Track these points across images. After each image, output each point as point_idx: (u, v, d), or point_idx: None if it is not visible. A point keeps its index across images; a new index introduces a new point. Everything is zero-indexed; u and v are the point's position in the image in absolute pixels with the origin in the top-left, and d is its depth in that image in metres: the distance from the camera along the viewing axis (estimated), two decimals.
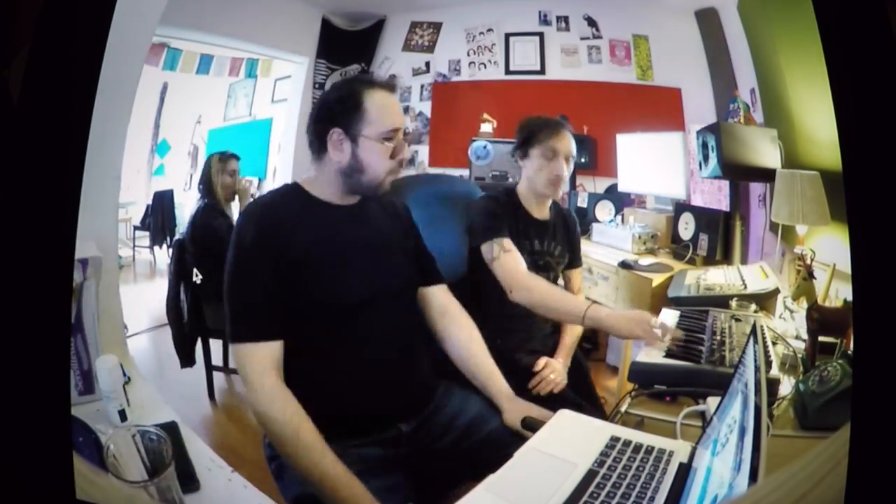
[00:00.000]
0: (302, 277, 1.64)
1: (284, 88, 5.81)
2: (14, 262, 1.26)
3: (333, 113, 1.72)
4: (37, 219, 1.28)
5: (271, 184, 5.83)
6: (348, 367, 1.68)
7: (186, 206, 5.63)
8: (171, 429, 1.54)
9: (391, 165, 1.73)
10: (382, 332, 1.74)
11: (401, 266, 1.86)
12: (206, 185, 3.77)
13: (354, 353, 1.70)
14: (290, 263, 1.63)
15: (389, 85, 1.76)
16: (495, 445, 1.71)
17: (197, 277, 3.63)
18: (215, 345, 3.74)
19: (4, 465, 1.21)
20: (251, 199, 3.27)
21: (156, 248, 5.71)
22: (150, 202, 5.68)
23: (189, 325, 3.61)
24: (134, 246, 5.78)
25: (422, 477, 1.74)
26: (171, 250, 3.88)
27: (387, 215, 1.92)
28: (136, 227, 5.76)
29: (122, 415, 1.64)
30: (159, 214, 5.59)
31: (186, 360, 3.65)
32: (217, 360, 3.77)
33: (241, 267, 1.63)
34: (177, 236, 3.74)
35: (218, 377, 3.75)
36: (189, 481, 1.38)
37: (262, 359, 1.57)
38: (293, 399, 1.55)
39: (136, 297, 4.57)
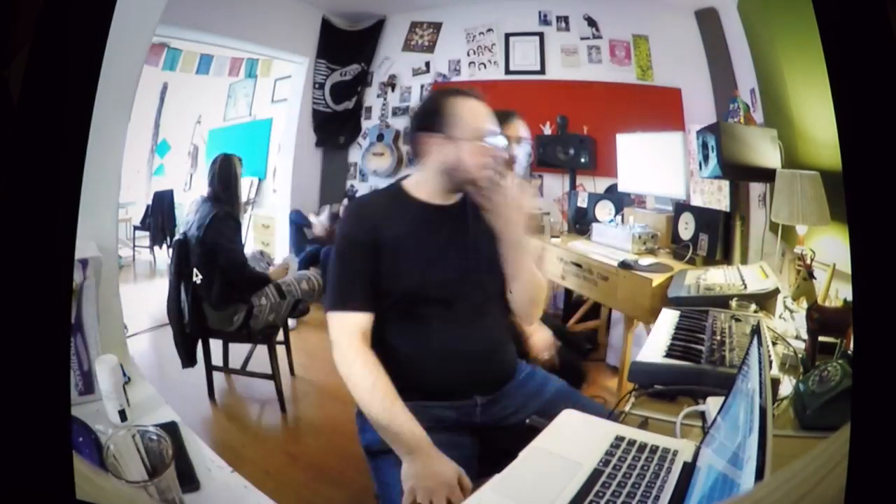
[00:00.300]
0: (393, 264, 1.86)
1: (284, 88, 5.81)
2: (14, 262, 1.26)
3: (430, 120, 1.94)
4: (37, 219, 1.28)
5: (271, 183, 5.83)
6: (433, 345, 1.90)
7: (186, 206, 5.63)
8: (170, 429, 1.54)
9: (484, 162, 1.90)
10: (466, 320, 1.94)
11: (493, 261, 1.99)
12: (231, 187, 3.74)
13: (438, 335, 1.90)
14: (382, 251, 1.86)
15: (476, 95, 1.96)
16: None
17: (197, 277, 3.63)
18: (215, 345, 3.74)
19: (5, 465, 1.21)
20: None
21: (156, 248, 5.71)
22: (150, 202, 5.67)
23: (190, 325, 3.61)
24: (134, 246, 5.77)
25: (488, 446, 1.94)
26: (171, 250, 3.87)
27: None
28: (136, 227, 5.75)
29: (122, 415, 1.64)
30: (159, 214, 5.59)
31: (188, 360, 3.64)
32: (217, 360, 3.77)
33: (339, 252, 1.90)
34: (177, 236, 3.72)
35: (218, 377, 3.75)
36: (189, 481, 1.38)
37: (349, 325, 1.82)
38: (372, 356, 1.80)
39: (136, 297, 4.57)
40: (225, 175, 3.75)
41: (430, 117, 1.94)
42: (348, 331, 1.82)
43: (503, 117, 2.15)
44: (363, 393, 1.76)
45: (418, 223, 1.93)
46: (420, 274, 1.89)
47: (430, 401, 1.90)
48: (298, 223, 5.31)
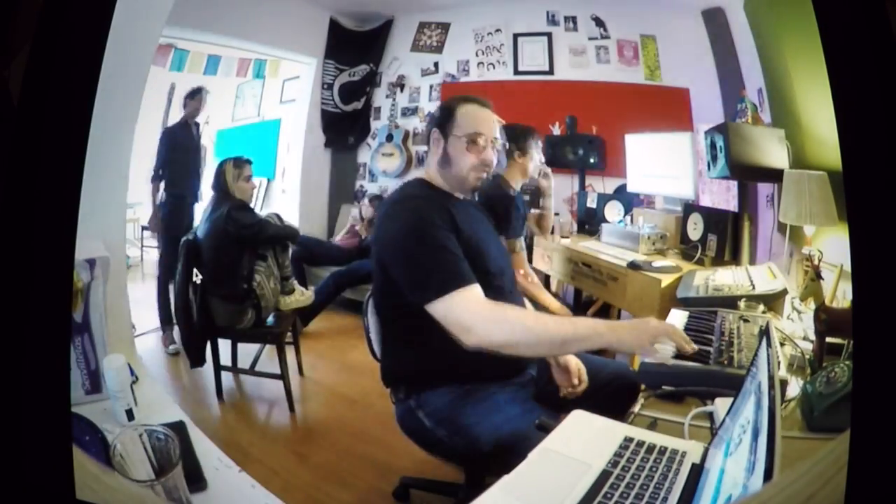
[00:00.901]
0: (468, 251, 1.96)
1: (293, 89, 5.81)
2: (15, 261, 1.26)
3: (435, 118, 2.19)
4: (37, 219, 1.29)
5: (280, 184, 5.84)
6: None
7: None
8: (178, 428, 1.55)
9: (473, 162, 2.10)
10: (514, 301, 2.13)
11: (505, 253, 2.30)
12: (223, 190, 3.77)
13: None
14: (459, 238, 1.97)
15: (481, 101, 2.18)
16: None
17: (197, 278, 3.64)
18: (224, 345, 3.74)
19: (5, 465, 1.22)
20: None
21: None
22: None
23: (199, 324, 3.61)
24: (142, 246, 5.78)
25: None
26: (178, 250, 3.88)
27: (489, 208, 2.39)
28: (143, 228, 5.76)
29: (130, 414, 1.64)
30: None
31: (197, 360, 3.65)
32: (226, 359, 3.77)
33: (431, 239, 1.92)
34: (185, 236, 3.72)
35: (225, 376, 3.75)
36: (196, 480, 1.38)
37: (478, 295, 1.86)
38: (507, 307, 1.89)
39: (143, 297, 4.58)
40: (219, 180, 3.79)
41: (437, 114, 2.19)
42: (481, 300, 1.85)
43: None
44: (540, 329, 1.82)
45: (464, 213, 2.08)
46: (493, 261, 2.07)
47: (496, 381, 2.08)
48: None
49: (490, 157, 2.12)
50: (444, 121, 2.13)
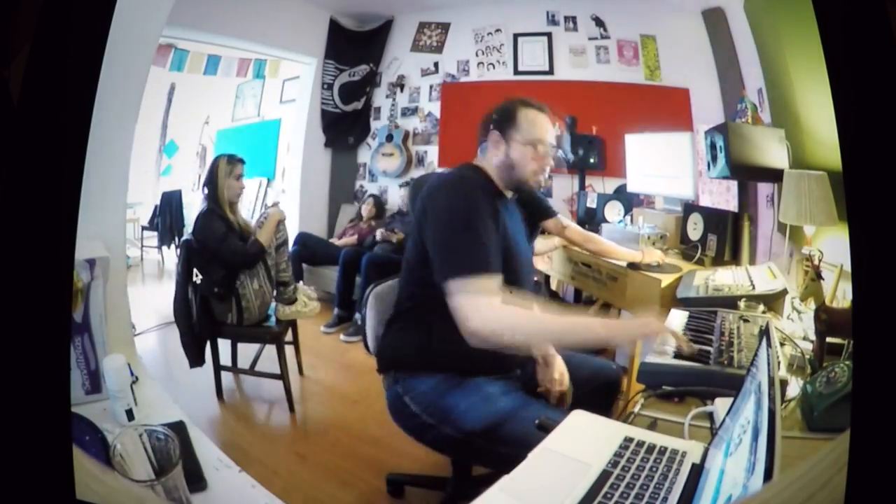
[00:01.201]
0: (504, 243, 2.03)
1: (293, 89, 5.81)
2: (14, 262, 1.26)
3: (495, 120, 2.21)
4: (37, 219, 1.29)
5: (280, 184, 5.84)
6: None
7: (195, 206, 5.64)
8: (178, 428, 1.55)
9: (535, 167, 2.17)
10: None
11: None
12: (211, 186, 3.75)
13: None
14: (498, 228, 2.01)
15: (539, 105, 2.21)
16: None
17: (197, 278, 3.63)
18: (224, 345, 3.74)
19: (6, 465, 1.22)
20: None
21: (164, 247, 5.72)
22: (158, 202, 5.68)
23: (198, 324, 3.61)
24: (142, 246, 5.79)
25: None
26: (178, 250, 3.89)
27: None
28: (143, 228, 5.76)
29: (130, 414, 1.64)
30: (167, 215, 5.60)
31: (196, 360, 3.64)
32: (226, 359, 3.77)
33: (468, 219, 1.95)
34: (184, 236, 3.73)
35: (226, 377, 3.75)
36: (196, 480, 1.38)
37: (494, 286, 1.88)
38: (516, 300, 1.92)
39: (144, 297, 4.59)
40: (209, 175, 3.78)
41: (496, 116, 2.20)
42: (495, 292, 1.87)
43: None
44: (539, 322, 1.91)
45: (507, 210, 2.15)
46: (518, 262, 2.12)
47: (492, 374, 2.12)
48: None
49: (551, 162, 2.21)
50: (505, 124, 2.17)
